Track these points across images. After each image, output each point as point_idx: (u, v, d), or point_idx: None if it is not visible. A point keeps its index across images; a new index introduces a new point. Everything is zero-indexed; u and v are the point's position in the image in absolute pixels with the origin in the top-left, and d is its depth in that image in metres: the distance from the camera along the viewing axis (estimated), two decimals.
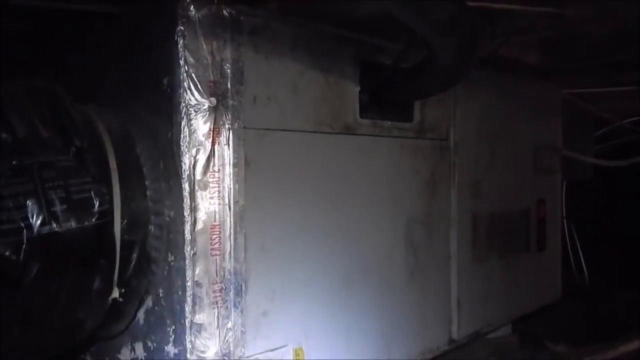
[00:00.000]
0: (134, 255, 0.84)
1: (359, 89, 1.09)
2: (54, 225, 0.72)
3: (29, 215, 0.70)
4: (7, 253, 0.68)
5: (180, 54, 0.81)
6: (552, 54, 1.62)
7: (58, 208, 0.72)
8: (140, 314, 0.89)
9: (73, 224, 0.73)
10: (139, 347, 0.89)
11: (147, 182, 0.86)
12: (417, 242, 1.22)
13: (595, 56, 1.61)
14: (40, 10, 0.97)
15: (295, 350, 0.94)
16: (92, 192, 0.76)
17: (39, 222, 0.70)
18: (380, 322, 1.13)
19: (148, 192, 0.86)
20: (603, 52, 1.59)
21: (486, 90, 1.44)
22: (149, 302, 0.88)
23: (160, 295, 0.86)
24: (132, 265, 0.83)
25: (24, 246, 0.69)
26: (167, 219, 0.84)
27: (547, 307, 1.73)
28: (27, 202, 0.70)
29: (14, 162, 0.72)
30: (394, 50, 1.13)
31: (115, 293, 0.83)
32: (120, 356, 0.93)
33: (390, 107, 1.17)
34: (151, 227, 0.85)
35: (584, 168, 2.23)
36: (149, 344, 0.87)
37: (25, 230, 0.70)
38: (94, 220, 0.76)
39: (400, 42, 1.12)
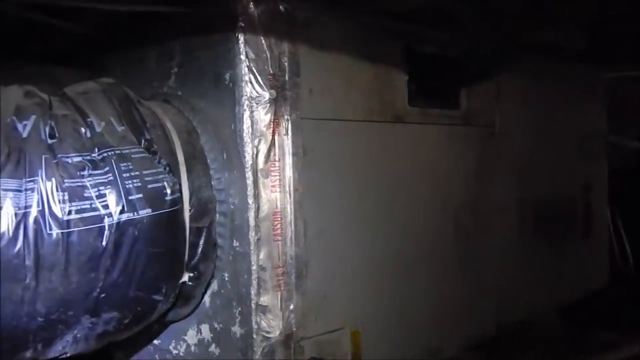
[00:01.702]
0: (202, 241, 0.88)
1: (407, 78, 1.11)
2: (132, 213, 0.76)
3: (109, 204, 0.75)
4: (91, 239, 0.73)
5: (241, 49, 0.85)
6: (597, 37, 1.60)
7: (135, 197, 0.77)
8: (206, 297, 0.94)
9: (148, 211, 0.78)
10: (205, 328, 0.94)
11: (211, 172, 0.90)
12: (466, 228, 1.24)
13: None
14: (103, 12, 1.02)
15: (353, 333, 0.98)
16: (165, 182, 0.81)
17: (118, 210, 0.75)
18: (431, 307, 1.16)
19: (213, 182, 0.90)
20: None
21: (531, 75, 1.44)
22: (214, 285, 0.92)
23: (226, 279, 0.90)
24: (199, 251, 0.88)
25: (105, 232, 0.74)
26: (232, 206, 0.89)
27: (594, 294, 1.72)
28: (107, 191, 0.75)
29: (93, 155, 0.77)
30: (440, 40, 1.15)
31: (185, 277, 0.88)
32: (186, 338, 0.98)
33: (438, 95, 1.19)
34: (216, 215, 0.90)
35: (629, 154, 2.20)
36: (215, 325, 0.92)
37: (106, 218, 0.75)
38: (166, 208, 0.80)
39: (446, 31, 1.14)
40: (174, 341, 1.01)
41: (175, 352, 1.01)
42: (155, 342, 1.05)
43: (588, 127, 1.69)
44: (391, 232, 1.07)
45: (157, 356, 1.06)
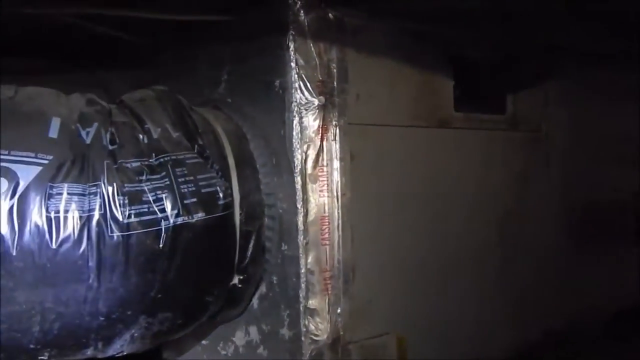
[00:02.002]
0: (251, 245, 0.90)
1: (453, 83, 1.11)
2: (187, 216, 0.79)
3: (166, 207, 0.78)
4: (149, 242, 0.76)
5: (291, 57, 0.87)
6: None
7: (189, 201, 0.79)
8: (255, 300, 0.96)
9: (202, 215, 0.80)
10: (253, 330, 0.96)
11: (260, 177, 0.92)
12: (511, 233, 1.23)
13: None
14: (155, 22, 1.06)
15: (399, 338, 0.98)
16: (217, 186, 0.83)
17: (174, 213, 0.78)
18: (477, 313, 1.15)
19: (262, 186, 0.92)
20: None
21: (579, 79, 1.41)
22: (262, 288, 0.94)
23: (274, 282, 0.92)
24: (249, 254, 0.90)
25: (163, 235, 0.77)
26: (280, 210, 0.90)
27: None
28: (164, 195, 0.78)
29: (151, 160, 0.80)
30: (486, 45, 1.14)
31: (235, 279, 0.90)
32: (234, 339, 1.00)
33: (484, 100, 1.18)
34: (265, 219, 0.92)
35: None
36: (264, 327, 0.94)
37: (162, 221, 0.77)
38: (219, 212, 0.83)
39: (494, 36, 1.13)
40: (222, 342, 1.03)
41: (223, 353, 1.03)
42: (204, 342, 1.08)
43: (639, 132, 1.64)
44: (435, 237, 1.07)
45: (205, 356, 1.09)
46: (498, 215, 1.21)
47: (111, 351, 0.82)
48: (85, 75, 1.36)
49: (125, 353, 0.85)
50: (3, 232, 0.66)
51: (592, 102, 1.48)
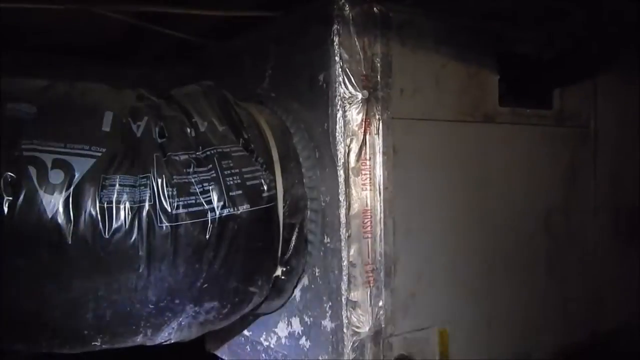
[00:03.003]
0: (294, 237, 0.91)
1: (499, 78, 1.10)
2: (232, 208, 0.81)
3: (212, 199, 0.80)
4: (196, 232, 0.78)
5: (336, 51, 0.88)
6: None
7: (235, 193, 0.81)
8: (297, 291, 0.97)
9: (247, 207, 0.82)
10: (295, 321, 0.97)
11: (303, 170, 0.93)
12: (557, 231, 1.20)
13: None
14: (200, 18, 1.08)
15: (440, 332, 0.98)
16: (262, 179, 0.85)
17: (220, 205, 0.80)
18: (520, 310, 1.13)
19: (305, 179, 0.93)
20: None
21: (629, 74, 1.37)
22: (304, 280, 0.95)
23: (316, 274, 0.93)
24: (292, 246, 0.91)
25: (209, 226, 0.79)
26: (323, 204, 0.91)
27: None
28: (211, 187, 0.80)
29: (198, 153, 0.82)
30: (531, 40, 1.12)
31: (279, 271, 0.92)
32: (277, 330, 1.02)
33: (530, 95, 1.16)
34: (308, 212, 0.93)
35: None
36: (306, 318, 0.95)
37: (209, 213, 0.79)
38: (263, 204, 0.84)
39: (541, 31, 1.11)
40: (264, 333, 1.05)
41: (266, 343, 1.05)
42: (246, 333, 1.10)
43: None
44: (480, 233, 1.06)
45: (248, 347, 1.11)
46: (544, 212, 1.18)
47: (159, 339, 0.85)
48: (134, 72, 1.41)
49: (172, 341, 0.88)
50: (60, 222, 0.69)
51: None
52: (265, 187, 0.85)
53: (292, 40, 0.97)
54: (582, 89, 1.25)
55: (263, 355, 1.06)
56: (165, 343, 0.87)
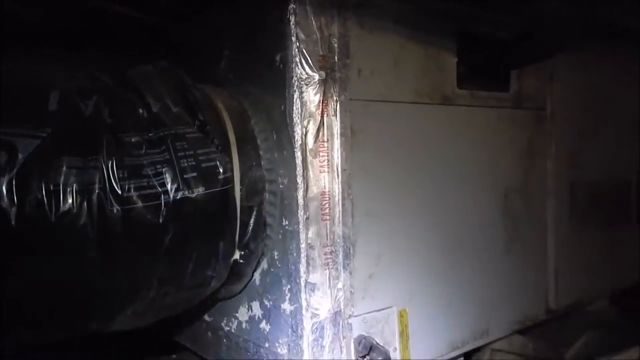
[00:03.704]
0: (252, 220, 0.90)
1: (457, 60, 1.10)
2: (187, 191, 0.79)
3: (166, 182, 0.78)
4: (149, 216, 0.76)
5: (292, 31, 0.86)
6: None
7: (189, 175, 0.80)
8: (257, 275, 0.96)
9: (202, 189, 0.81)
10: (255, 305, 0.97)
11: (261, 152, 0.92)
12: (515, 212, 1.22)
13: None
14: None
15: (400, 312, 0.99)
16: (217, 161, 0.83)
17: (174, 188, 0.78)
18: (480, 289, 1.15)
19: (263, 162, 0.92)
20: None
21: (585, 57, 1.40)
22: (264, 263, 0.95)
23: (275, 257, 0.92)
24: (250, 229, 0.90)
25: (162, 210, 0.77)
26: (281, 186, 0.90)
27: None
28: (164, 169, 0.78)
29: (150, 134, 0.80)
30: (491, 21, 1.13)
31: (236, 255, 0.90)
32: (237, 315, 1.01)
33: (488, 78, 1.17)
34: (266, 194, 0.92)
35: None
36: (266, 302, 0.94)
37: (162, 195, 0.77)
38: (219, 186, 0.83)
39: (498, 12, 1.12)
40: (225, 318, 1.04)
41: (227, 328, 1.04)
42: (207, 318, 1.09)
43: None
44: (439, 214, 1.07)
45: (209, 333, 1.10)
46: (503, 192, 1.20)
47: (116, 325, 0.83)
48: (95, 56, 1.36)
49: (128, 328, 0.86)
50: (3, 205, 0.67)
51: (603, 80, 1.46)
52: (221, 170, 0.84)
53: (248, 21, 0.95)
54: (539, 72, 1.27)
55: (224, 340, 1.05)
56: (120, 330, 0.85)
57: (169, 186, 0.78)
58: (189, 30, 1.14)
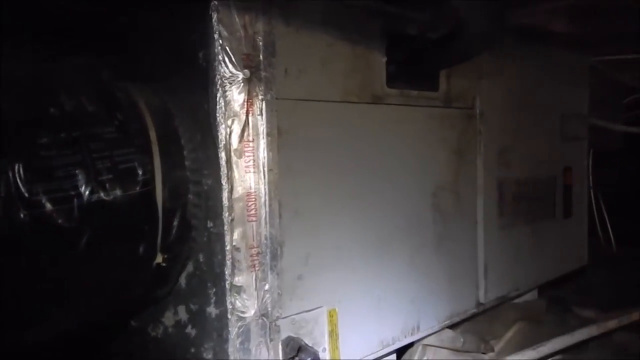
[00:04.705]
0: (175, 222, 0.88)
1: (386, 59, 1.11)
2: (102, 193, 0.76)
3: (79, 184, 0.74)
4: (60, 220, 0.72)
5: (214, 28, 0.84)
6: (580, 21, 1.60)
7: (105, 177, 0.76)
8: (182, 279, 0.93)
9: (119, 192, 0.78)
10: (181, 310, 0.94)
11: (185, 153, 0.90)
12: (445, 209, 1.25)
13: (624, 23, 1.59)
14: None
15: (329, 312, 0.99)
16: (136, 162, 0.80)
17: (88, 190, 0.75)
18: (411, 287, 1.17)
19: (187, 162, 0.89)
20: (632, 19, 1.57)
21: (512, 59, 1.44)
22: (189, 267, 0.92)
23: (201, 260, 0.90)
24: (174, 232, 0.88)
25: (74, 213, 0.73)
26: (205, 187, 0.88)
27: (574, 273, 1.75)
28: (77, 171, 0.74)
29: (62, 135, 0.76)
30: (420, 21, 1.14)
31: (159, 258, 0.88)
32: (163, 320, 0.98)
33: (417, 77, 1.18)
34: (190, 196, 0.89)
35: (612, 137, 2.22)
36: (191, 306, 0.92)
37: (75, 199, 0.74)
38: (138, 188, 0.80)
39: (426, 12, 1.13)
40: (152, 323, 1.01)
41: (153, 334, 1.01)
42: (133, 324, 1.05)
43: (570, 110, 1.69)
44: (370, 212, 1.08)
45: (137, 339, 1.06)
46: (432, 190, 1.22)
47: (32, 335, 0.79)
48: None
49: (47, 339, 0.82)
50: None
51: (530, 80, 1.51)
52: (140, 171, 0.81)
53: (172, 17, 0.92)
54: (468, 72, 1.30)
55: (151, 346, 1.02)
56: (41, 342, 0.81)
57: (82, 189, 0.74)
58: (114, 22, 1.10)
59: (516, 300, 1.54)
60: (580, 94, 1.76)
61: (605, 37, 1.68)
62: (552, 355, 1.34)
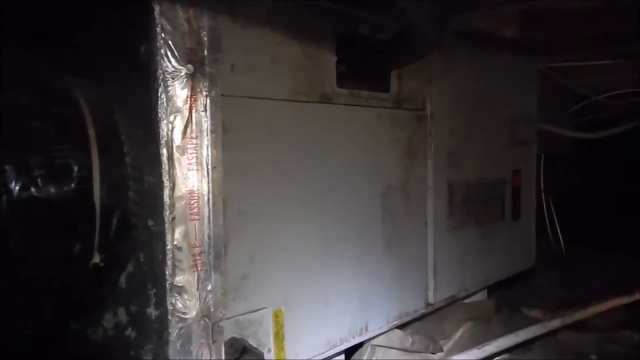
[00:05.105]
0: (114, 221, 0.85)
1: (336, 59, 1.11)
2: (33, 189, 0.73)
3: (8, 180, 0.71)
4: None
5: (157, 21, 0.82)
6: (529, 27, 1.64)
7: (37, 173, 0.73)
8: (122, 280, 0.90)
9: (53, 188, 0.75)
10: (121, 311, 0.91)
11: (126, 149, 0.87)
12: (395, 209, 1.25)
13: (573, 30, 1.63)
14: None
15: (275, 312, 0.97)
16: (72, 158, 0.77)
17: (18, 187, 0.71)
18: (359, 287, 1.16)
19: (127, 159, 0.87)
20: (581, 26, 1.61)
21: (463, 63, 1.46)
22: (130, 267, 0.89)
23: (141, 260, 0.87)
24: (112, 231, 0.85)
25: (3, 210, 0.70)
26: (147, 185, 0.86)
27: (522, 273, 1.78)
28: (7, 167, 0.71)
29: None
30: (371, 21, 1.14)
31: (96, 258, 0.85)
32: (103, 322, 0.95)
33: (368, 78, 1.19)
34: (131, 193, 0.87)
35: (562, 142, 2.28)
36: (131, 308, 0.89)
37: (4, 196, 0.71)
38: (73, 185, 0.77)
39: (377, 13, 1.13)
40: (91, 326, 0.97)
41: (93, 337, 0.98)
42: (73, 327, 1.02)
43: (519, 114, 1.73)
44: (318, 212, 1.07)
45: (76, 342, 1.02)
46: (382, 191, 1.22)
47: None
48: None
49: None
50: None
51: (481, 84, 1.53)
52: (76, 167, 0.78)
53: (113, 9, 0.89)
54: (419, 74, 1.31)
55: (91, 350, 0.99)
56: None
57: (12, 185, 0.71)
58: (56, 15, 1.06)
59: (466, 301, 1.56)
60: (530, 99, 1.80)
61: (553, 43, 1.72)
62: (497, 354, 1.36)
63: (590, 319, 1.60)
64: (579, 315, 1.52)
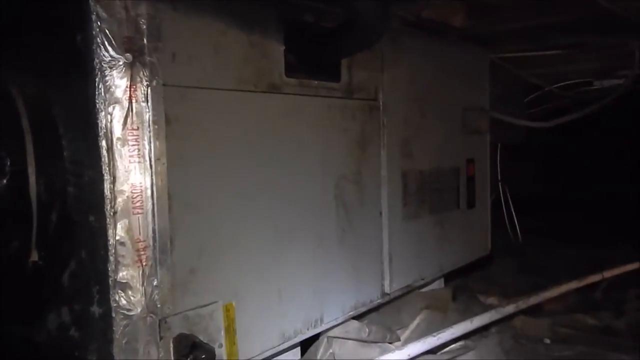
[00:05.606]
0: (53, 217, 0.82)
1: (284, 48, 1.09)
2: None
3: None
4: None
5: (92, 9, 0.79)
6: (478, 17, 1.65)
7: None
8: (65, 278, 0.87)
9: None
10: (64, 311, 0.88)
11: (64, 142, 0.84)
12: (348, 200, 1.25)
13: (521, 19, 1.65)
14: None
15: (226, 307, 0.96)
16: (4, 152, 0.74)
17: None
18: (313, 278, 1.16)
19: (66, 153, 0.84)
20: (529, 16, 1.63)
21: (414, 52, 1.47)
22: (72, 265, 0.86)
23: (84, 256, 0.84)
24: (52, 227, 0.82)
25: None
26: (87, 179, 0.83)
27: (478, 261, 1.81)
28: None
29: None
30: (318, 10, 1.13)
31: (35, 256, 0.81)
32: (46, 323, 0.92)
33: (317, 67, 1.18)
34: (70, 188, 0.84)
35: (517, 132, 2.33)
36: (75, 306, 0.86)
37: None
38: (5, 180, 0.74)
39: (322, 0, 1.12)
40: (34, 328, 0.94)
41: (37, 339, 0.94)
42: (15, 330, 0.98)
43: (471, 104, 1.75)
44: (268, 204, 1.05)
45: (20, 345, 0.99)
46: (335, 181, 1.22)
47: None
48: None
49: None
50: None
51: (434, 74, 1.54)
52: (9, 161, 0.75)
53: None
54: (370, 64, 1.31)
55: (35, 352, 0.95)
56: None
57: None
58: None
59: (423, 290, 1.57)
60: (481, 88, 1.82)
61: (502, 33, 1.75)
62: (454, 341, 1.38)
63: (544, 304, 1.64)
64: (533, 300, 1.55)
